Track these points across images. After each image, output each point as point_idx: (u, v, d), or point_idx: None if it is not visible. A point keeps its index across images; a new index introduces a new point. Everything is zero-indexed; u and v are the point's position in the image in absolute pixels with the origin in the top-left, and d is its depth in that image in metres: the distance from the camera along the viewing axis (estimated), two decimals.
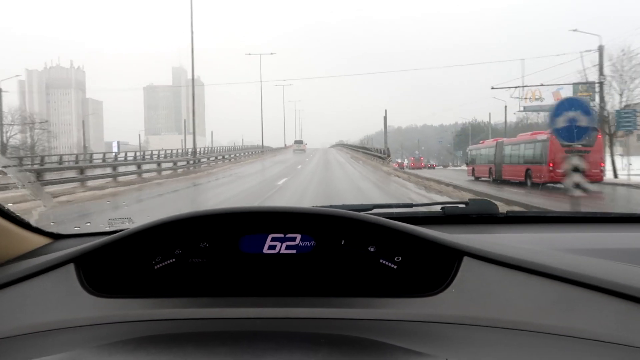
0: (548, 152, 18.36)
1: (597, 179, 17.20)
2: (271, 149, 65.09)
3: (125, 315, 0.94)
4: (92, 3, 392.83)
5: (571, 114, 7.21)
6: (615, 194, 18.27)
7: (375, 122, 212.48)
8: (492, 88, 31.85)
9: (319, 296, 0.97)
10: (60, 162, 25.40)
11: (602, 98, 24.60)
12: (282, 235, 1.06)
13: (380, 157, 32.74)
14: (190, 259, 1.08)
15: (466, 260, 0.99)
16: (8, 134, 40.00)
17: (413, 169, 44.71)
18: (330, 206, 1.43)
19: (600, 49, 24.49)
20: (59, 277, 1.04)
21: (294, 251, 1.05)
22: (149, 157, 34.11)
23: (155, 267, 1.07)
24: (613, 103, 25.84)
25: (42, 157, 28.08)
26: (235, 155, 43.17)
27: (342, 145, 71.53)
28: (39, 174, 14.22)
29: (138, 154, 35.14)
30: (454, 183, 15.14)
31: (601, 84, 24.72)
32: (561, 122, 7.26)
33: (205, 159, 33.61)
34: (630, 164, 22.52)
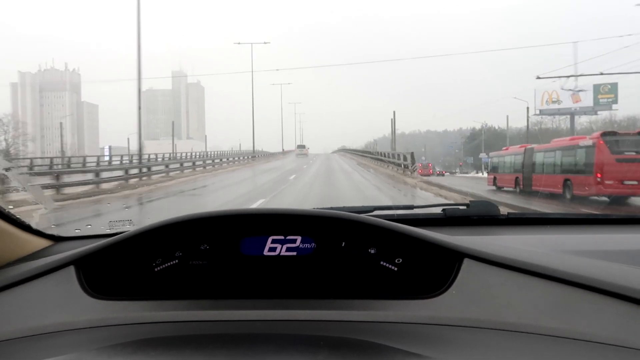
0: (595, 160, 15.94)
1: None
2: (267, 153, 63.13)
3: (125, 318, 0.95)
4: (92, 3, 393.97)
5: None
6: None
7: (378, 127, 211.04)
8: (538, 77, 28.66)
9: (319, 298, 0.99)
10: (31, 167, 23.99)
11: None
12: (282, 237, 1.07)
13: (396, 164, 27.87)
14: (191, 261, 1.09)
15: (467, 262, 1.01)
16: None
17: (422, 176, 41.81)
18: (331, 208, 1.41)
19: None
20: (59, 280, 1.06)
21: (295, 253, 1.07)
22: (118, 162, 32.18)
23: (156, 270, 1.09)
24: None
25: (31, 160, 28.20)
26: (216, 161, 36.35)
27: (346, 151, 69.00)
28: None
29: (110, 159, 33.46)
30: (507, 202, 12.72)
31: None
32: None
33: (171, 166, 26.61)
34: None
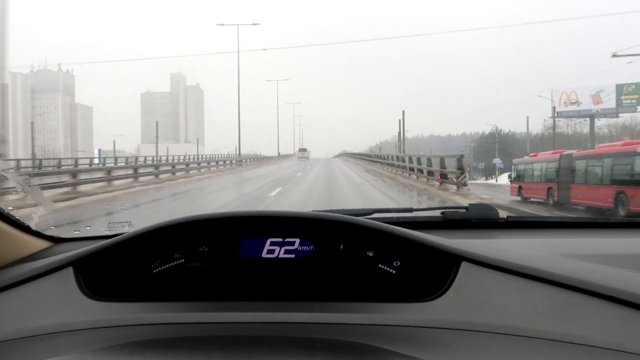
0: None
1: None
2: (261, 157, 59.39)
3: (123, 319, 0.97)
4: (92, 4, 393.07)
5: None
6: None
7: (380, 132, 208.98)
8: (614, 55, 25.50)
9: (317, 301, 1.01)
10: (18, 168, 22.28)
11: None
12: (281, 240, 1.09)
13: (429, 174, 18.78)
14: (189, 263, 1.11)
15: (464, 265, 1.02)
16: None
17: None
18: (330, 211, 1.40)
19: None
20: (58, 281, 1.07)
21: (293, 255, 1.08)
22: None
23: (154, 271, 1.10)
24: None
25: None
26: (199, 165, 32.07)
27: (349, 155, 65.73)
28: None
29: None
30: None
31: None
32: None
33: (136, 170, 21.78)
34: None
